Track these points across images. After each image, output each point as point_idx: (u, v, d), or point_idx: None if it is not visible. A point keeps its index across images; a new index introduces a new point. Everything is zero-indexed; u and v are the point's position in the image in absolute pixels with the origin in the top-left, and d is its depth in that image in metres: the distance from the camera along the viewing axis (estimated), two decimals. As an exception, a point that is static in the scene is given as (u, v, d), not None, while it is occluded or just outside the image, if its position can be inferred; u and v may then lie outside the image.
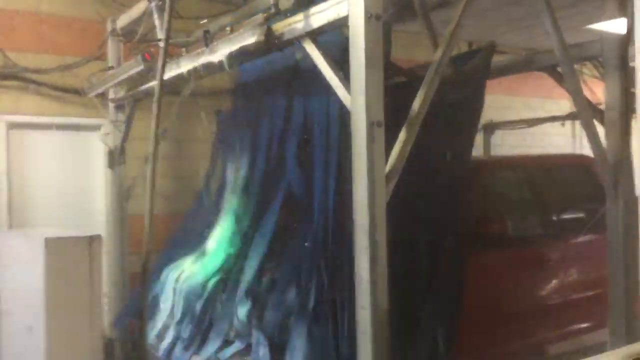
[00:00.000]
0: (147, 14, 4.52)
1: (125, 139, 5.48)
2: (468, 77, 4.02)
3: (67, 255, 1.71)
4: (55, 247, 1.69)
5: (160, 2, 4.10)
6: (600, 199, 4.90)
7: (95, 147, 6.20)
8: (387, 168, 2.95)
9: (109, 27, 5.47)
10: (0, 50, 5.80)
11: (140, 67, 4.06)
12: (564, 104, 9.72)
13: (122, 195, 5.70)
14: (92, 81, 5.30)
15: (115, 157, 5.59)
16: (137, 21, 4.79)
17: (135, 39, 4.83)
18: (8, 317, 2.00)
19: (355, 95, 2.90)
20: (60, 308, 1.69)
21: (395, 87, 3.80)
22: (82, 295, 1.75)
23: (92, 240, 1.75)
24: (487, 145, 7.87)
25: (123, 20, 5.21)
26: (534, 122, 7.42)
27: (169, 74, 3.98)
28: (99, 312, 1.79)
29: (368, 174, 2.85)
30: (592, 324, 4.76)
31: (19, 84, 5.91)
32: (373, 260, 2.84)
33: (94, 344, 1.75)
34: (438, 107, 3.41)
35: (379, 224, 2.88)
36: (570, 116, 7.44)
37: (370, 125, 2.86)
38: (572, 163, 5.59)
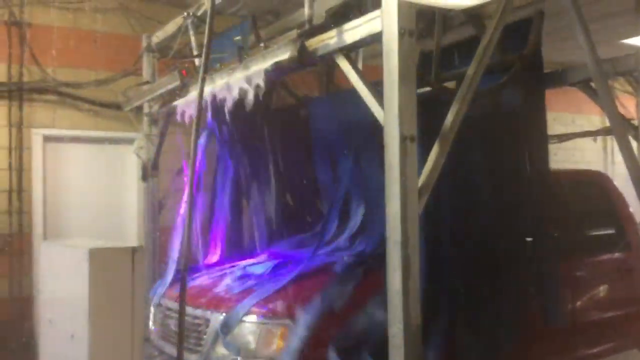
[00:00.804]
0: (181, 30, 4.62)
1: (158, 152, 5.58)
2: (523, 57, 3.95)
3: (110, 266, 1.76)
4: (98, 258, 1.74)
5: (196, 19, 4.19)
6: (612, 217, 4.83)
7: (128, 160, 6.33)
8: (420, 182, 2.97)
9: (144, 43, 5.60)
10: (38, 65, 5.97)
11: (177, 83, 4.15)
12: (595, 119, 9.62)
13: (154, 207, 5.79)
14: (129, 96, 5.42)
15: (149, 170, 5.69)
16: (172, 37, 4.89)
17: (170, 54, 4.94)
18: (52, 325, 2.05)
19: (388, 110, 2.92)
20: (103, 317, 1.74)
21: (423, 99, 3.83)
22: (125, 305, 1.80)
23: (135, 251, 1.80)
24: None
25: (158, 36, 5.33)
26: (566, 137, 7.33)
27: (207, 88, 4.06)
28: (141, 321, 1.83)
29: (400, 189, 2.87)
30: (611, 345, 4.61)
31: (56, 98, 6.08)
32: (405, 274, 2.85)
33: (136, 352, 1.78)
34: (489, 117, 3.43)
35: (412, 238, 2.89)
36: (603, 131, 7.34)
37: (403, 140, 2.88)
38: (583, 180, 5.33)
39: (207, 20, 2.30)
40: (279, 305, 3.56)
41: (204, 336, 3.57)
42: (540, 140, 4.16)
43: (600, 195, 5.00)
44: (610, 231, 4.89)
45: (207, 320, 3.61)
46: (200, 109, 2.30)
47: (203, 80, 2.22)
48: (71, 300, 1.88)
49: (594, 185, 5.09)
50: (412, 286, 2.86)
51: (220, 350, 3.54)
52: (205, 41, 2.26)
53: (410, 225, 2.89)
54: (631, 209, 5.03)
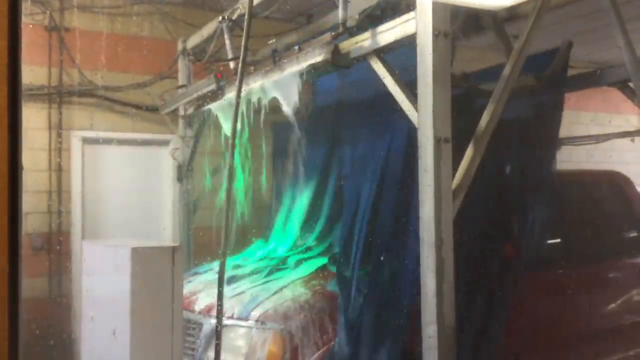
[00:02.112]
0: (216, 34, 4.69)
1: (193, 153, 5.67)
2: (548, 83, 3.94)
3: (151, 264, 1.81)
4: (140, 256, 1.79)
5: (231, 23, 4.25)
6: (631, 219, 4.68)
7: (164, 161, 6.44)
8: (454, 184, 2.96)
9: (179, 46, 5.70)
10: (77, 69, 6.12)
11: (213, 86, 4.22)
12: (633, 119, 9.42)
13: (189, 207, 5.88)
14: (166, 99, 5.52)
15: (184, 171, 5.79)
16: (207, 41, 4.96)
17: (205, 58, 5.02)
18: (94, 322, 2.12)
19: (423, 111, 2.92)
20: (144, 314, 1.78)
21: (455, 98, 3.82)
22: (165, 303, 1.84)
23: (175, 250, 1.84)
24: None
25: (193, 40, 5.41)
26: (603, 138, 7.19)
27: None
28: (180, 319, 1.88)
29: (435, 190, 2.87)
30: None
31: (94, 101, 6.22)
32: (439, 276, 2.84)
33: (176, 349, 1.83)
34: (513, 120, 3.41)
35: (446, 240, 2.88)
36: (641, 132, 7.18)
37: (438, 141, 2.88)
38: (603, 180, 5.13)
39: (245, 22, 2.34)
40: (271, 311, 3.49)
41: (197, 340, 3.52)
42: (548, 144, 4.11)
43: (618, 197, 4.85)
44: (630, 234, 4.76)
45: (200, 325, 3.58)
46: (238, 108, 2.35)
47: (241, 81, 2.26)
48: (113, 298, 1.93)
49: (612, 186, 4.94)
50: (447, 288, 2.85)
51: (212, 354, 3.54)
52: (243, 45, 2.30)
53: (445, 227, 2.88)
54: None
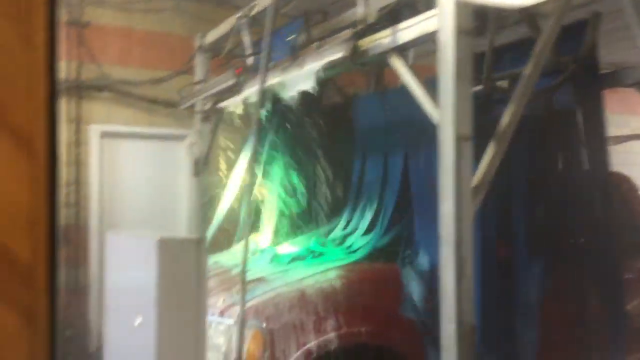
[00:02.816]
0: (234, 30, 4.71)
1: (210, 148, 5.70)
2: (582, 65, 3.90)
3: (177, 255, 1.83)
4: (166, 247, 1.81)
5: (249, 20, 4.27)
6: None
7: (180, 156, 6.47)
8: (475, 182, 2.95)
9: (197, 42, 5.72)
10: (95, 63, 6.17)
11: (232, 82, 4.24)
12: (650, 121, 9.32)
13: (205, 202, 5.92)
14: (184, 94, 5.56)
15: (200, 166, 5.82)
16: (225, 37, 4.98)
17: (223, 54, 5.04)
18: (117, 313, 2.14)
19: (444, 109, 2.92)
20: (169, 304, 1.80)
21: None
22: (189, 293, 1.86)
23: (200, 242, 1.86)
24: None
25: (211, 36, 5.43)
26: (620, 140, 7.13)
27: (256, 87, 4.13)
28: (204, 310, 1.89)
29: (455, 188, 2.86)
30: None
31: (112, 95, 6.26)
32: (459, 275, 2.84)
33: (200, 340, 1.85)
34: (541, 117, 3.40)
35: (465, 238, 2.88)
36: (660, 133, 7.11)
37: (458, 139, 2.87)
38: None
39: (267, 17, 2.35)
40: (252, 309, 3.37)
41: None
42: (599, 141, 4.11)
43: (621, 199, 4.72)
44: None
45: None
46: (262, 102, 2.36)
47: (264, 76, 2.27)
48: (137, 289, 1.95)
49: (615, 187, 4.73)
50: (466, 286, 2.85)
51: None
52: (265, 38, 2.31)
53: (465, 225, 2.88)
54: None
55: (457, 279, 2.83)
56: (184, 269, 1.82)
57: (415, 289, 3.71)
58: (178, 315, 1.84)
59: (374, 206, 4.47)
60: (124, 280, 2.05)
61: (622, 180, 4.96)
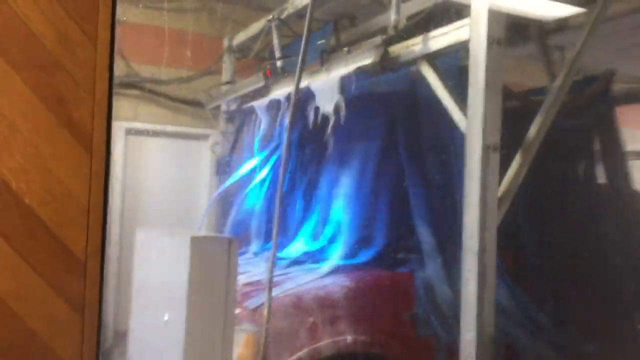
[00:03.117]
0: (264, 33, 4.75)
1: (233, 148, 5.76)
2: (583, 104, 3.97)
3: (208, 254, 1.85)
4: (199, 246, 1.83)
5: (279, 22, 4.31)
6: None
7: (203, 155, 6.54)
8: (500, 192, 2.96)
9: (225, 43, 5.78)
10: (124, 60, 6.25)
11: (262, 84, 4.28)
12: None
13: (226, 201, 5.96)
14: (212, 94, 5.62)
15: (223, 166, 5.88)
16: (254, 39, 5.03)
17: (251, 55, 5.09)
18: (144, 310, 2.17)
19: (472, 119, 2.93)
20: (199, 303, 1.83)
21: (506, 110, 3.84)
22: (220, 293, 1.88)
23: (232, 241, 1.89)
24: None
25: (239, 37, 5.49)
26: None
27: (285, 89, 4.18)
28: (233, 310, 1.92)
29: (480, 198, 2.87)
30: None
31: (139, 93, 6.34)
32: (481, 284, 2.85)
33: (227, 341, 1.87)
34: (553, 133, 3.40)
35: (489, 247, 2.89)
36: (685, 150, 7.03)
37: (486, 149, 2.88)
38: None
39: (306, 19, 2.38)
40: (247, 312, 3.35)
41: None
42: (616, 156, 4.13)
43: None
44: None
45: None
46: (296, 105, 2.40)
47: (299, 78, 2.31)
48: (168, 286, 1.98)
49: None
50: (488, 295, 2.86)
51: None
52: (303, 41, 2.35)
53: (489, 234, 2.89)
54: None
55: (480, 288, 2.83)
56: (215, 268, 1.85)
57: (427, 299, 3.63)
58: (208, 314, 1.87)
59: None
60: (153, 277, 2.08)
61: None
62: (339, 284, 3.61)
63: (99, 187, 1.06)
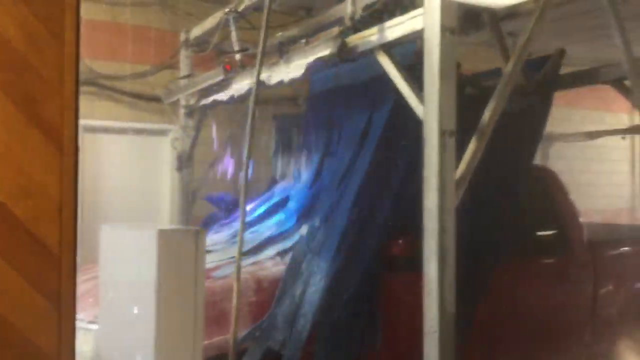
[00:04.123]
0: (220, 26, 4.75)
1: (193, 144, 5.75)
2: (538, 86, 4.08)
3: (176, 247, 1.89)
4: (166, 239, 1.86)
5: (237, 15, 4.32)
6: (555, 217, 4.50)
7: (163, 151, 6.50)
8: (457, 175, 3.06)
9: (182, 37, 5.75)
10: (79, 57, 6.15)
11: (221, 77, 4.29)
12: (624, 118, 9.59)
13: (188, 197, 5.96)
14: (170, 89, 5.59)
15: (184, 161, 5.86)
16: (211, 32, 5.02)
17: (209, 49, 5.08)
18: (112, 305, 2.18)
19: (428, 105, 3.02)
20: (168, 296, 1.86)
21: (462, 96, 3.93)
22: (188, 285, 1.92)
23: (198, 233, 1.92)
24: (544, 157, 7.85)
25: (196, 31, 5.47)
26: (595, 135, 7.36)
27: (245, 82, 4.20)
28: (202, 301, 1.95)
29: (439, 181, 2.97)
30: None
31: (95, 89, 6.25)
32: (442, 264, 2.95)
33: (198, 332, 1.91)
34: (504, 116, 3.52)
35: (448, 229, 2.99)
36: (633, 130, 7.36)
37: (442, 134, 2.98)
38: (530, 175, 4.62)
39: (264, 11, 2.42)
40: None
41: None
42: (532, 139, 4.23)
43: (544, 194, 4.63)
44: (551, 232, 4.58)
45: None
46: (257, 96, 2.44)
47: (259, 70, 2.35)
48: (136, 281, 2.00)
49: (539, 181, 4.67)
50: (448, 275, 2.96)
51: None
52: (262, 34, 2.39)
53: (447, 216, 2.99)
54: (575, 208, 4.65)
55: (440, 268, 2.94)
56: (183, 260, 1.89)
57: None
58: (177, 305, 1.90)
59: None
60: (120, 272, 2.10)
61: (549, 175, 4.83)
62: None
63: (70, 183, 1.09)
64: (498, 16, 4.03)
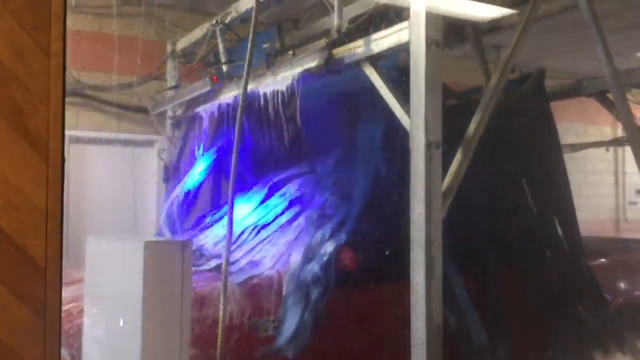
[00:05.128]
0: (207, 37, 4.76)
1: (180, 154, 5.73)
2: (518, 103, 4.16)
3: (162, 258, 1.88)
4: (152, 250, 1.85)
5: (223, 27, 4.34)
6: None
7: (149, 162, 6.47)
8: (444, 187, 3.09)
9: (168, 48, 5.75)
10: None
11: (208, 88, 4.30)
12: (606, 130, 9.71)
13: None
14: (157, 99, 5.58)
15: (171, 172, 5.84)
16: (197, 43, 5.03)
17: (195, 60, 5.09)
18: (98, 317, 2.17)
19: (415, 117, 3.04)
20: (155, 307, 1.84)
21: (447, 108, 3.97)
22: (175, 296, 1.91)
23: (185, 245, 1.92)
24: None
25: (183, 42, 5.47)
26: (579, 147, 7.44)
27: (232, 93, 4.20)
28: (189, 312, 1.94)
29: (425, 192, 2.99)
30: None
31: (80, 100, 6.22)
32: (429, 274, 2.96)
33: (184, 342, 1.90)
34: (497, 131, 3.59)
35: (435, 240, 3.01)
36: (616, 142, 7.45)
37: (428, 145, 3.00)
38: None
39: (252, 23, 2.44)
40: None
41: None
42: (555, 150, 4.36)
43: None
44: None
45: None
46: (244, 106, 2.45)
47: (247, 81, 2.36)
48: (122, 293, 1.99)
49: None
50: (435, 285, 2.97)
51: None
52: (249, 45, 2.40)
53: (434, 227, 3.01)
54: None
55: (427, 279, 2.95)
56: (169, 271, 1.88)
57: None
58: (163, 317, 1.89)
59: None
60: (106, 284, 2.08)
61: None
62: None
63: (56, 194, 1.09)
64: (480, 30, 4.09)
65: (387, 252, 3.60)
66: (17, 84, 1.03)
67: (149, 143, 6.45)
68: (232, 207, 2.45)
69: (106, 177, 6.39)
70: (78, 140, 6.25)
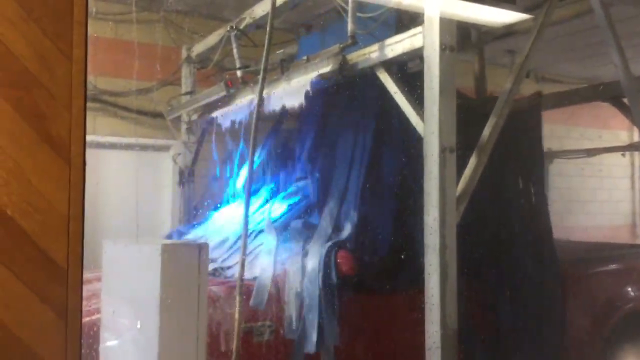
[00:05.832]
0: (223, 42, 4.80)
1: (195, 159, 5.78)
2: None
3: (179, 261, 1.90)
4: (169, 253, 1.88)
5: (238, 32, 4.37)
6: None
7: (164, 166, 6.52)
8: (458, 191, 3.09)
9: (184, 54, 5.80)
10: (82, 74, 6.20)
11: (223, 94, 4.33)
12: (622, 135, 9.64)
13: (190, 212, 5.97)
14: (173, 105, 5.63)
15: (185, 176, 5.89)
16: (213, 49, 5.07)
17: (210, 66, 5.13)
18: (115, 318, 2.20)
19: (429, 122, 3.05)
20: (171, 309, 1.87)
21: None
22: (191, 298, 1.93)
23: (201, 248, 1.94)
24: (545, 174, 7.89)
25: (198, 47, 5.52)
26: (594, 152, 7.39)
27: (246, 98, 4.24)
28: (205, 314, 1.96)
29: (439, 197, 2.99)
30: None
31: (97, 105, 6.29)
32: (443, 279, 2.97)
33: (200, 344, 1.92)
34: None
35: (450, 244, 3.01)
36: (632, 147, 7.39)
37: (443, 150, 3.01)
38: None
39: (267, 30, 2.47)
40: None
41: None
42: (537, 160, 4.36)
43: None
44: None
45: None
46: (260, 111, 2.47)
47: (262, 86, 2.39)
48: (139, 296, 2.01)
49: None
50: (450, 291, 2.97)
51: None
52: (265, 50, 2.43)
53: (448, 232, 3.01)
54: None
55: (442, 283, 2.95)
56: (186, 274, 1.90)
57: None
58: (180, 319, 1.91)
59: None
60: (123, 287, 2.11)
61: None
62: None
63: (78, 197, 1.11)
64: (491, 35, 4.10)
65: (385, 259, 3.64)
66: (41, 90, 1.06)
67: (165, 147, 6.51)
68: (247, 210, 2.47)
69: (122, 181, 6.45)
70: (96, 145, 6.32)
